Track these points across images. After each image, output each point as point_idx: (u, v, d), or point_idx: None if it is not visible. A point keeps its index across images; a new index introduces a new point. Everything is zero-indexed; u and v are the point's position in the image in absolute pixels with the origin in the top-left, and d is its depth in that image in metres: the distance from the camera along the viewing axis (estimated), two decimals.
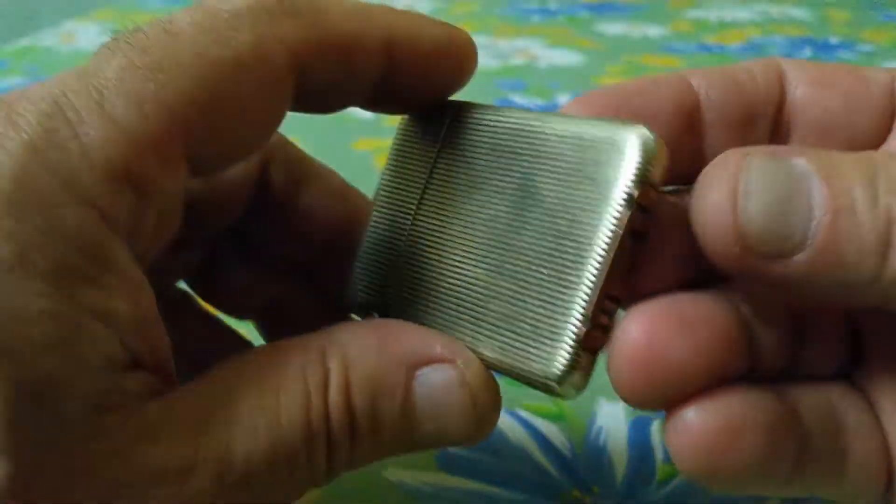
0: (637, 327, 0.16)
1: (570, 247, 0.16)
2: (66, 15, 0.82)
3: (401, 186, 0.20)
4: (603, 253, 0.15)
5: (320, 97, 0.18)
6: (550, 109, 0.56)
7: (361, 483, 0.24)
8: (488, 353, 0.17)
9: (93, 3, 0.86)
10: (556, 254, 0.16)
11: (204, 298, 0.24)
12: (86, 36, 0.75)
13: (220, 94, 0.15)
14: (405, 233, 0.19)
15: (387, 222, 0.20)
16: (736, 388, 0.16)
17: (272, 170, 0.22)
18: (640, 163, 0.15)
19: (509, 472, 0.25)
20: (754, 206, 0.15)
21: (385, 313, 0.19)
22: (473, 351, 0.17)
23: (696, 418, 0.16)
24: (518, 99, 0.58)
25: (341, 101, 0.18)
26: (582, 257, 0.15)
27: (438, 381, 0.17)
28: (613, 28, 0.78)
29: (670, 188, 0.18)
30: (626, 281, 0.16)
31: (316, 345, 0.16)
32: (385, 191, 0.20)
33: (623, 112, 0.18)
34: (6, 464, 0.13)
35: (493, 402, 0.17)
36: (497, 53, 0.70)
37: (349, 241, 0.21)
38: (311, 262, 0.23)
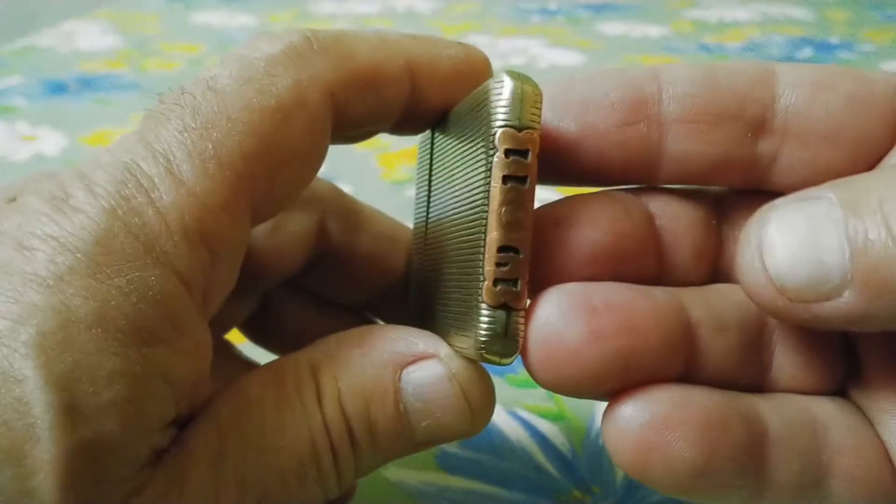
0: (541, 308, 0.16)
1: (472, 209, 0.15)
2: (66, 15, 0.82)
3: (419, 203, 0.20)
4: (481, 201, 0.15)
5: (353, 128, 0.18)
6: None
7: (362, 483, 0.24)
8: (458, 345, 0.16)
9: (93, 3, 0.86)
10: (466, 219, 0.16)
11: (255, 341, 0.25)
12: (86, 36, 0.75)
13: (270, 141, 0.16)
14: (421, 246, 0.19)
15: (414, 240, 0.20)
16: (673, 385, 0.16)
17: (329, 220, 0.23)
18: (502, 107, 0.15)
19: (509, 472, 0.25)
20: (781, 257, 0.14)
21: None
22: (451, 346, 0.17)
23: (624, 412, 0.16)
24: None
25: (371, 129, 0.19)
26: (476, 213, 0.15)
27: (425, 378, 0.17)
28: (613, 28, 0.78)
29: (678, 187, 0.18)
30: (525, 229, 0.15)
31: (305, 361, 0.17)
32: (415, 210, 0.21)
33: (561, 98, 0.17)
34: None
35: (485, 392, 0.17)
36: (497, 53, 0.70)
37: (399, 280, 0.22)
38: (365, 302, 0.24)
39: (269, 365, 0.17)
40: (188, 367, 0.15)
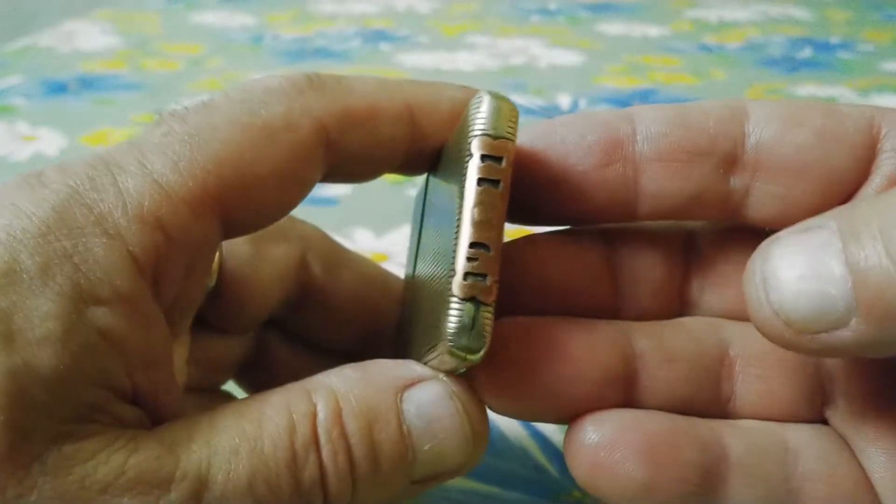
0: (508, 347, 0.17)
1: (450, 225, 0.16)
2: (66, 15, 0.82)
3: (410, 254, 0.21)
4: (458, 202, 0.16)
5: (353, 166, 0.19)
6: (551, 110, 0.56)
7: None
8: (429, 357, 0.17)
9: (93, 3, 0.86)
10: (448, 236, 0.16)
11: (250, 390, 0.25)
12: (86, 36, 0.75)
13: (250, 155, 0.16)
14: (409, 294, 0.20)
15: (404, 291, 0.21)
16: (627, 410, 0.17)
17: (310, 258, 0.23)
18: (480, 118, 0.16)
19: (509, 472, 0.25)
20: (785, 291, 0.14)
21: None
22: (427, 360, 0.17)
23: (579, 434, 0.17)
24: (518, 99, 0.58)
25: (374, 168, 0.19)
26: (451, 219, 0.16)
27: (427, 397, 0.17)
28: (613, 28, 0.78)
29: (652, 224, 0.19)
30: (496, 228, 0.16)
31: (298, 387, 0.17)
32: (407, 260, 0.21)
33: (542, 142, 0.18)
34: None
35: (483, 414, 0.17)
36: (497, 53, 0.70)
37: (388, 325, 0.23)
38: (353, 346, 0.24)
39: (261, 392, 0.17)
40: (133, 333, 0.15)
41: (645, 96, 0.58)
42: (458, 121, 0.18)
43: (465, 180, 0.16)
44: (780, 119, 0.17)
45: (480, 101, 0.16)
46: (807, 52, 0.70)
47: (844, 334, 0.14)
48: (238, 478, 0.15)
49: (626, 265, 0.19)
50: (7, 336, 0.14)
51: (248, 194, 0.17)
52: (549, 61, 0.68)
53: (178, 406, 0.17)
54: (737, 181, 0.18)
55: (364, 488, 0.16)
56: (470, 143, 0.16)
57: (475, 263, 0.15)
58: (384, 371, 0.17)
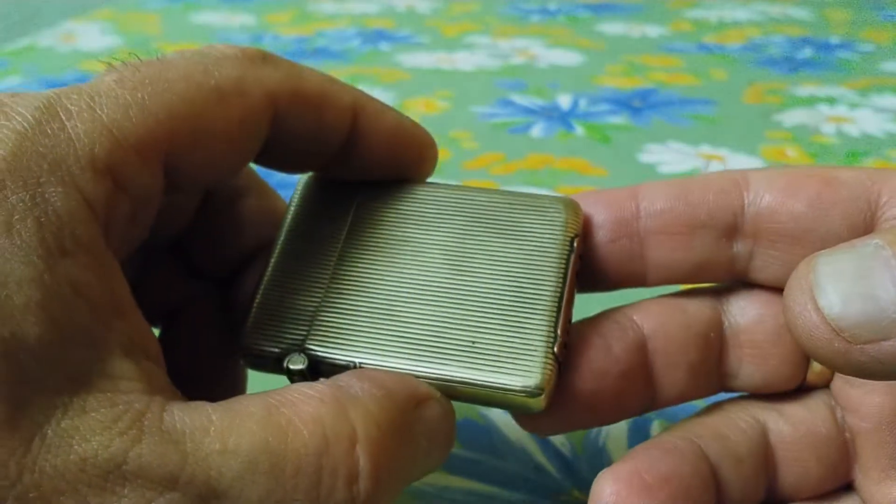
0: (608, 487, 0.18)
1: (529, 283, 0.19)
2: (66, 15, 0.82)
3: (311, 247, 0.21)
4: (560, 285, 0.19)
5: (290, 147, 0.19)
6: (551, 109, 0.56)
7: None
8: (459, 375, 0.18)
9: (93, 3, 0.86)
10: (515, 288, 0.19)
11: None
12: (86, 36, 0.75)
13: (200, 114, 0.17)
14: (322, 288, 0.20)
15: (296, 279, 0.20)
16: None
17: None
18: (577, 219, 0.20)
19: (509, 472, 0.25)
20: (833, 298, 0.15)
21: (313, 360, 0.19)
22: (440, 377, 0.18)
23: None
24: (518, 99, 0.58)
25: (308, 156, 0.20)
26: (544, 290, 0.19)
27: (433, 416, 0.18)
28: (613, 28, 0.78)
29: (680, 289, 0.21)
30: (569, 309, 0.19)
31: (331, 399, 0.16)
32: (288, 249, 0.21)
33: None
34: None
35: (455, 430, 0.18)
36: (497, 53, 0.70)
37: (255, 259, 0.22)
38: (227, 271, 0.23)
39: (283, 391, 0.16)
40: (99, 284, 0.15)
41: (644, 96, 0.58)
42: (401, 145, 0.20)
43: (561, 262, 0.19)
44: (778, 189, 0.19)
45: (573, 202, 0.20)
46: (807, 52, 0.70)
47: (894, 345, 0.14)
48: (249, 499, 0.14)
49: (660, 351, 0.20)
50: None
51: (195, 150, 0.17)
52: (549, 61, 0.68)
53: (159, 353, 0.16)
54: (740, 247, 0.19)
55: (381, 487, 0.16)
56: (575, 235, 0.19)
57: (566, 336, 0.18)
58: (403, 387, 0.17)
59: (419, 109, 0.56)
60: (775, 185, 0.19)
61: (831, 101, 0.57)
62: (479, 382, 0.18)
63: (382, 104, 0.20)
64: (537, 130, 0.52)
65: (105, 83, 0.16)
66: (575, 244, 0.19)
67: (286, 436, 0.15)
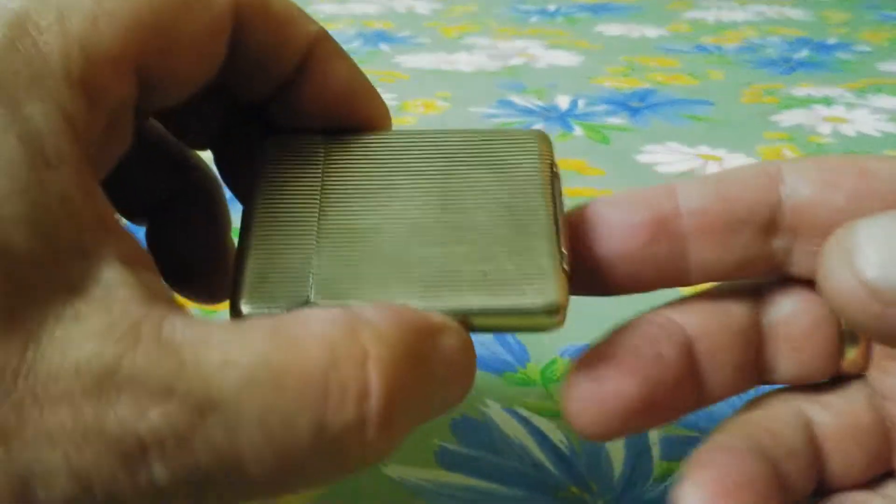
0: (700, 492, 0.17)
1: (522, 211, 0.19)
2: None
3: (288, 206, 0.20)
4: (552, 207, 0.20)
5: (247, 64, 0.19)
6: (550, 110, 0.56)
7: (361, 479, 0.25)
8: (478, 304, 0.18)
9: None
10: (510, 218, 0.19)
11: None
12: None
13: (169, 22, 0.17)
14: (312, 243, 0.19)
15: (282, 239, 0.20)
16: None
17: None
18: (550, 147, 0.21)
19: (508, 468, 0.25)
20: (873, 258, 0.15)
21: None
22: (460, 309, 0.18)
23: None
24: (517, 100, 0.59)
25: (261, 78, 0.20)
26: (538, 215, 0.19)
27: (451, 345, 0.16)
28: (612, 29, 0.79)
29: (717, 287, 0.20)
30: (566, 228, 0.19)
31: (340, 320, 0.15)
32: (264, 212, 0.20)
33: (590, 222, 0.19)
34: None
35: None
36: (496, 54, 0.70)
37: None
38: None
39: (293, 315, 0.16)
40: (83, 199, 0.15)
41: (643, 97, 0.59)
42: (360, 99, 0.21)
43: (546, 187, 0.20)
44: (814, 183, 0.18)
45: (544, 134, 0.21)
46: (804, 53, 0.70)
47: None
48: (249, 412, 0.14)
49: (706, 351, 0.19)
50: None
51: (164, 60, 0.17)
52: (548, 62, 0.68)
53: (155, 268, 0.16)
54: (778, 242, 0.19)
55: (399, 428, 0.15)
56: (553, 164, 0.21)
57: (567, 255, 0.19)
58: (419, 316, 0.16)
59: (419, 110, 0.57)
60: (810, 177, 0.18)
61: (828, 101, 0.58)
62: (501, 309, 0.18)
63: (346, 53, 0.20)
64: None
65: None
66: (554, 168, 0.20)
67: (291, 350, 0.14)
